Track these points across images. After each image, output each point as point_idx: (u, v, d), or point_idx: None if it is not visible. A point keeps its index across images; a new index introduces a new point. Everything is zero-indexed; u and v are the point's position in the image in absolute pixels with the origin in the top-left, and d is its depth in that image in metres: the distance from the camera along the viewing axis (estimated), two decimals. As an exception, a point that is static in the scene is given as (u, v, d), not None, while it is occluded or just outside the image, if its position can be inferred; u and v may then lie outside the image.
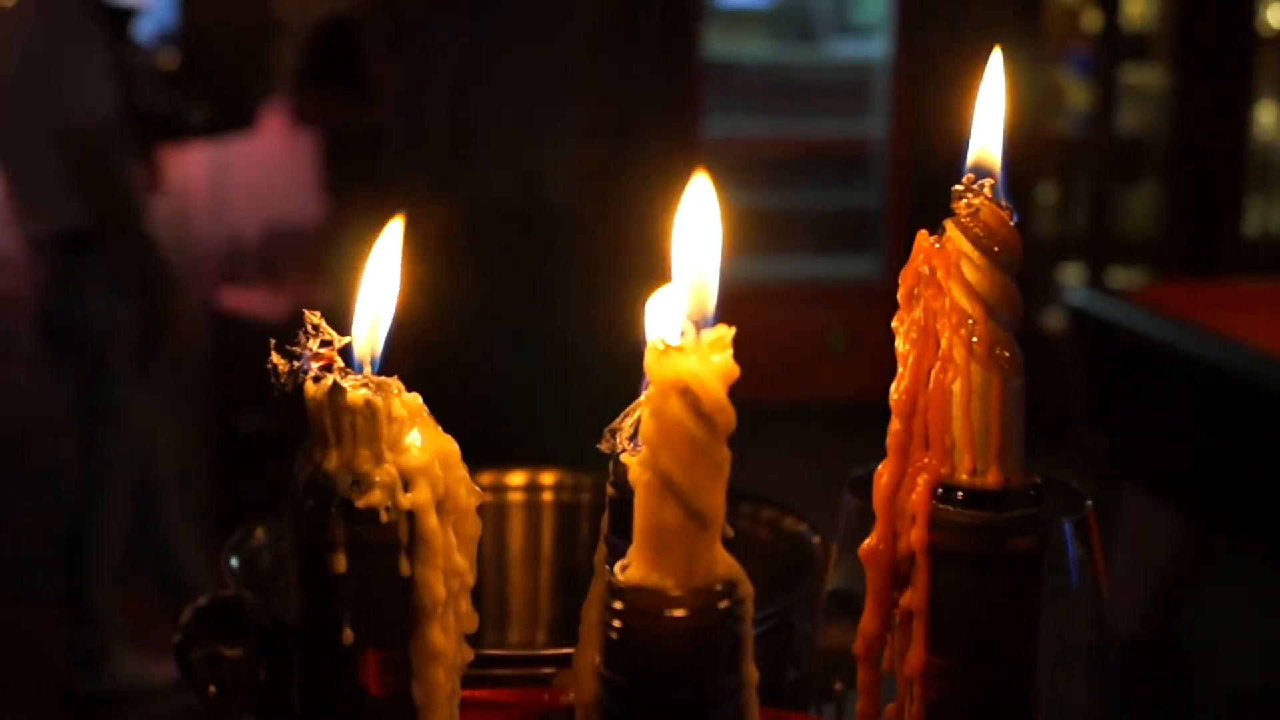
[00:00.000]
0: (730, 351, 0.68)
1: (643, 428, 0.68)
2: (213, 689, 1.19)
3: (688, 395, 0.67)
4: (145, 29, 5.38)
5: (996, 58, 0.82)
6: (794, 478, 3.19)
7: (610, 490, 0.87)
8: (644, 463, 0.68)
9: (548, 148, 4.61)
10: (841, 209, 6.92)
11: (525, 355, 4.31)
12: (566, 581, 1.36)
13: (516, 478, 1.36)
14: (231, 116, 5.15)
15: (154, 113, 4.47)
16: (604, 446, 0.88)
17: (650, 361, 0.68)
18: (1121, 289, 5.59)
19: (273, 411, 5.10)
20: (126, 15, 4.61)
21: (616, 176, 4.77)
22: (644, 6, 5.74)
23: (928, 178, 5.85)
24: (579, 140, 4.71)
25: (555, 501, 1.37)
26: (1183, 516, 3.82)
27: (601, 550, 0.89)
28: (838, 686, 1.21)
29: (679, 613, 0.67)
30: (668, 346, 0.68)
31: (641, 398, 0.88)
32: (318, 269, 5.10)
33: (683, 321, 0.70)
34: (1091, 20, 6.61)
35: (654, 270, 0.86)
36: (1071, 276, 6.32)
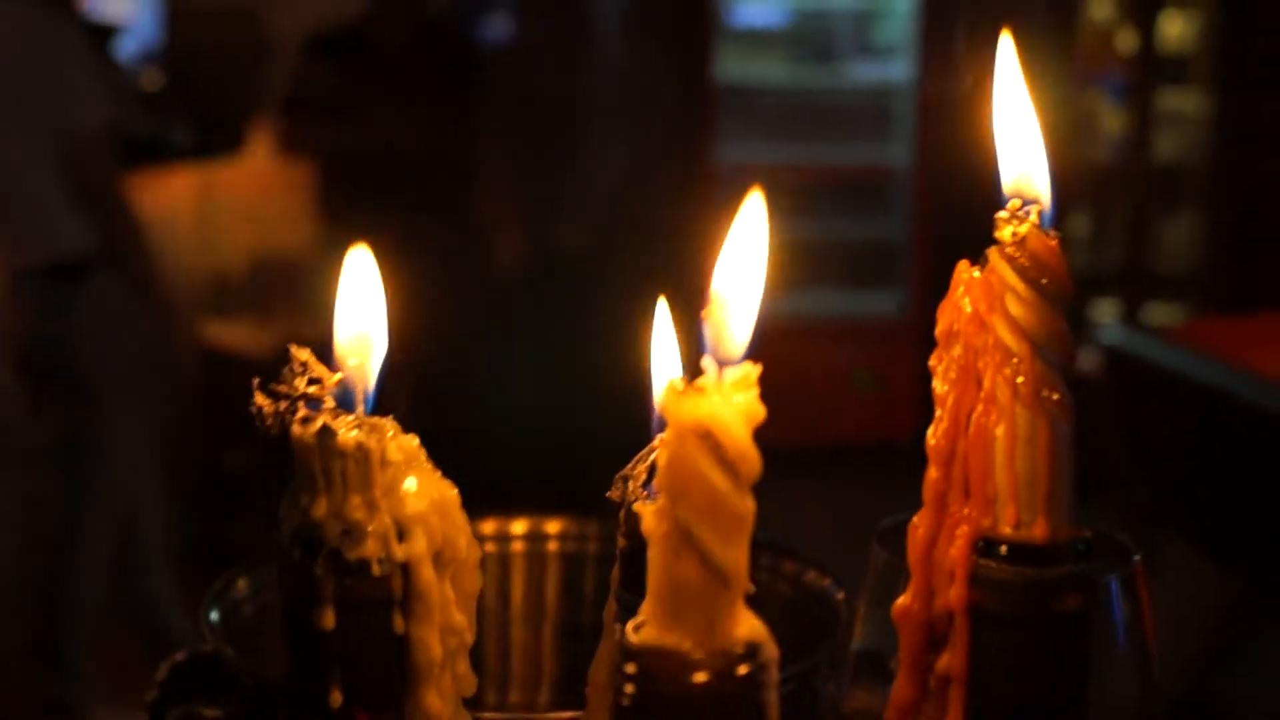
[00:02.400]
0: (755, 392, 0.66)
1: (659, 474, 0.66)
2: (191, 751, 1.17)
3: (709, 440, 0.65)
4: (127, 48, 5.38)
5: (1007, 48, 0.79)
6: (815, 526, 3.16)
7: (622, 542, 0.85)
8: (660, 513, 0.66)
9: (561, 183, 4.63)
10: (863, 240, 6.89)
11: (530, 395, 4.30)
12: (572, 638, 1.34)
13: (519, 526, 1.34)
14: (217, 139, 5.14)
15: (136, 135, 4.46)
16: (614, 495, 0.86)
17: (667, 401, 0.65)
18: (1159, 326, 5.57)
19: (259, 449, 5.07)
20: (108, 33, 4.61)
21: (629, 211, 4.78)
22: (657, 28, 5.75)
23: (954, 208, 5.83)
24: (592, 175, 4.73)
25: (560, 552, 1.34)
26: (1226, 570, 3.79)
27: (611, 607, 0.87)
28: (863, 753, 1.18)
29: (698, 677, 0.65)
30: (687, 385, 0.66)
31: (656, 441, 0.85)
32: (308, 301, 5.09)
33: (705, 358, 0.68)
34: (1126, 42, 6.59)
35: (666, 304, 0.84)
36: (1106, 313, 6.29)
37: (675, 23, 6.20)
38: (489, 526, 1.32)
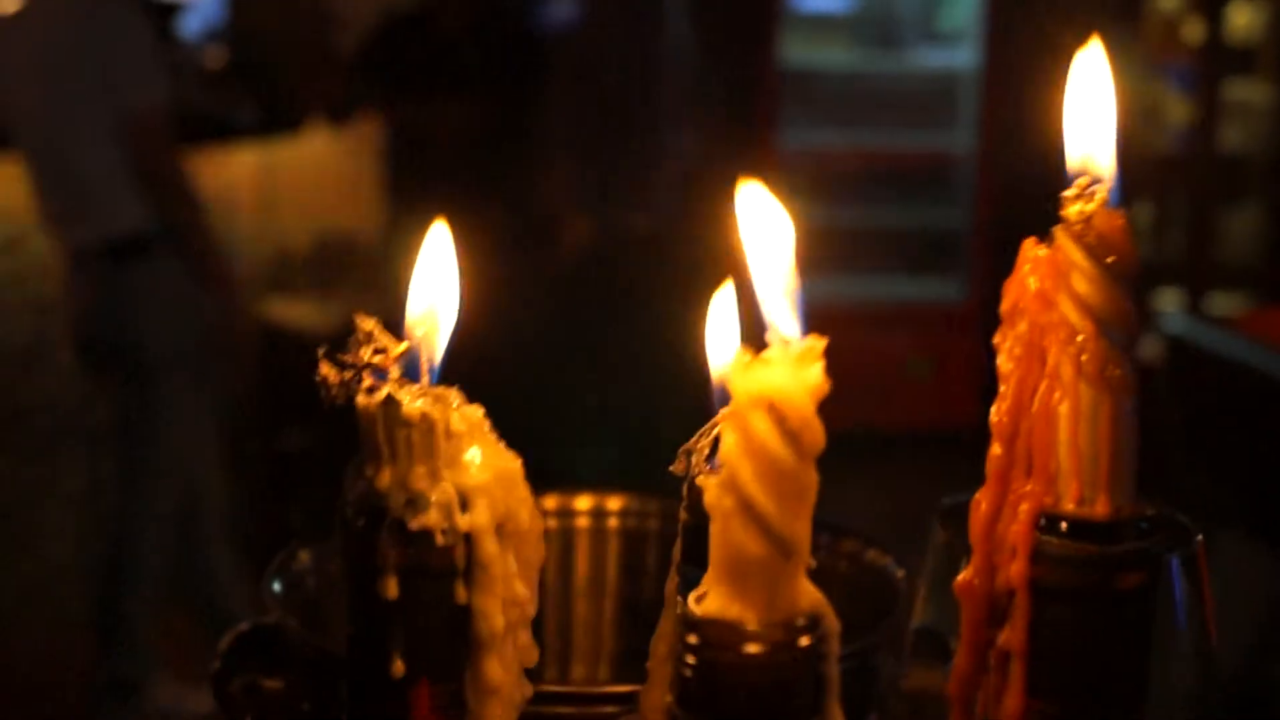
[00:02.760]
0: (820, 365, 0.66)
1: (723, 447, 0.66)
2: (251, 721, 1.18)
3: (774, 412, 0.65)
4: (191, 26, 5.41)
5: (1095, 50, 0.79)
6: (871, 512, 3.16)
7: (684, 516, 0.85)
8: (723, 485, 0.66)
9: (625, 168, 4.64)
10: (924, 227, 6.87)
11: (593, 373, 4.31)
12: (632, 614, 1.35)
13: (582, 502, 1.34)
14: (280, 117, 5.17)
15: (199, 113, 4.48)
16: (678, 469, 0.86)
17: (733, 374, 0.66)
18: (1222, 316, 5.52)
19: (319, 429, 5.10)
20: (170, 11, 4.64)
21: (693, 196, 4.77)
22: (721, 13, 5.75)
23: (1016, 196, 5.80)
24: (656, 161, 4.74)
25: (622, 528, 1.35)
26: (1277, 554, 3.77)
27: (673, 580, 0.87)
28: (921, 732, 1.18)
29: (758, 648, 0.65)
30: (753, 358, 0.66)
31: (719, 415, 0.86)
32: (370, 280, 5.11)
33: (769, 332, 0.68)
34: (1193, 31, 6.54)
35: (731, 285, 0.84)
36: (1168, 302, 6.25)
37: (739, 7, 6.19)
38: (551, 502, 1.32)
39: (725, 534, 0.66)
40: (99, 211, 4.08)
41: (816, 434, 0.66)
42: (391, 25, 4.97)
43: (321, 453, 5.03)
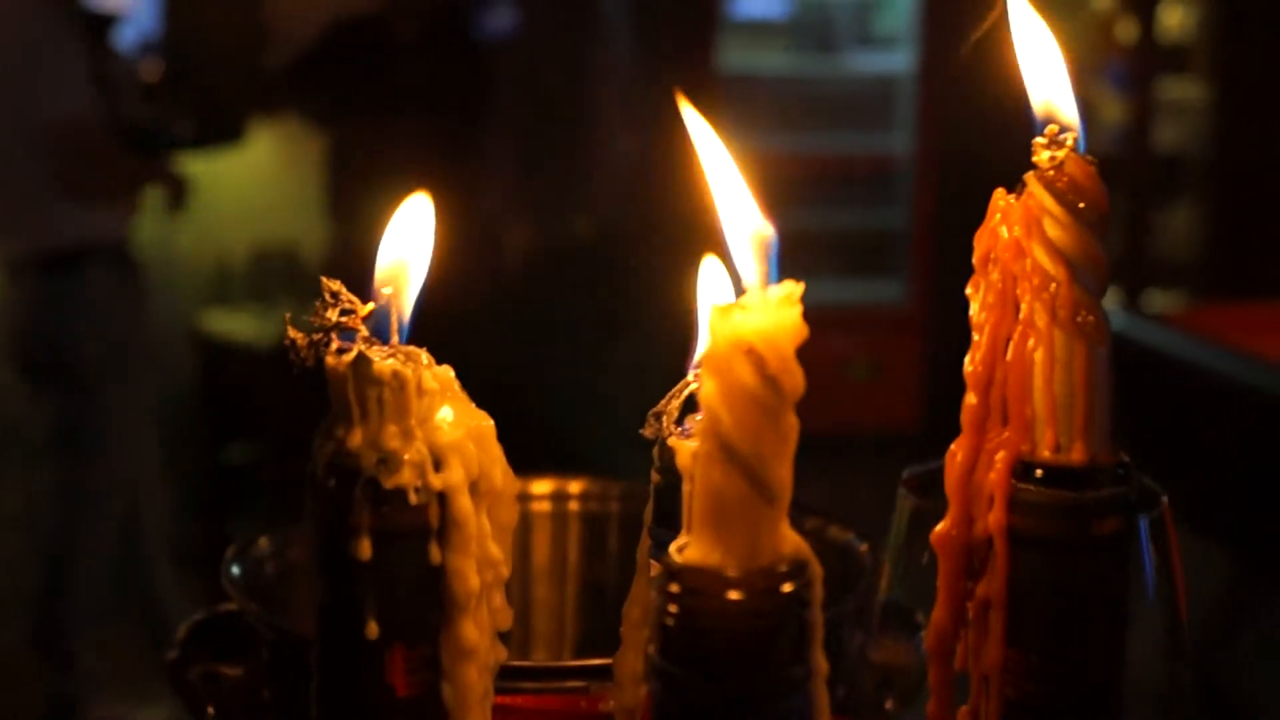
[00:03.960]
0: (799, 309, 0.66)
1: (702, 392, 0.66)
2: (211, 710, 1.16)
3: (753, 356, 0.65)
4: (127, 37, 5.37)
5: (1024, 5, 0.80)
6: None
7: (655, 477, 0.85)
8: (703, 430, 0.65)
9: (568, 174, 4.65)
10: (864, 229, 6.89)
11: (540, 376, 4.31)
12: (594, 598, 1.34)
13: (542, 486, 1.34)
14: (218, 128, 5.13)
15: (136, 124, 4.45)
16: (648, 432, 0.86)
17: (712, 318, 0.65)
18: (1161, 313, 5.57)
19: (262, 442, 5.07)
20: (107, 22, 4.60)
21: (635, 199, 4.78)
22: (660, 20, 5.76)
23: (956, 196, 5.83)
24: (598, 165, 4.75)
25: (583, 512, 1.34)
26: (1230, 552, 3.79)
27: (645, 544, 0.87)
28: (889, 705, 1.18)
29: (742, 594, 0.65)
30: (731, 304, 0.66)
31: (690, 376, 0.86)
32: (312, 292, 5.08)
33: (746, 279, 0.68)
34: (1126, 31, 6.60)
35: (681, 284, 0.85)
36: (1108, 300, 6.29)
37: (678, 14, 6.20)
38: (511, 486, 1.31)
39: (706, 480, 0.65)
40: (30, 224, 4.05)
41: (796, 377, 0.66)
42: (334, 34, 4.96)
43: (264, 466, 5.00)
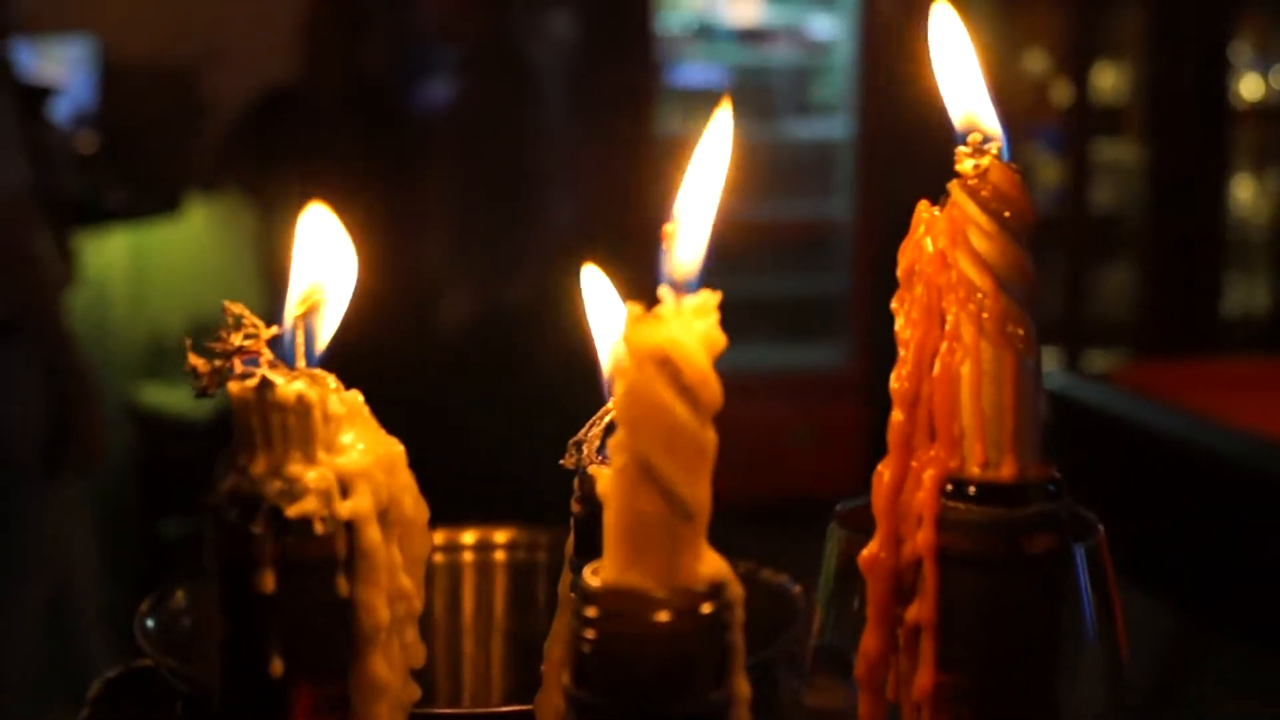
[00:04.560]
0: (715, 318, 0.64)
1: (616, 406, 0.63)
2: (128, 769, 1.12)
3: (667, 366, 0.62)
4: (62, 110, 5.33)
5: (943, 10, 0.78)
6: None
7: (576, 508, 0.82)
8: (618, 445, 0.63)
9: (506, 242, 4.64)
10: (804, 295, 6.90)
11: (475, 442, 4.28)
12: (523, 651, 1.30)
13: (468, 536, 1.30)
14: (153, 200, 5.10)
15: (70, 197, 4.41)
16: (567, 461, 0.83)
17: (625, 329, 0.62)
18: (1100, 372, 5.58)
19: (199, 516, 5.00)
20: (42, 94, 4.56)
21: (569, 266, 4.77)
22: (598, 89, 5.76)
23: (895, 261, 5.84)
24: (538, 233, 4.74)
25: (510, 561, 1.31)
26: (1169, 609, 3.78)
27: (566, 577, 0.84)
28: (824, 750, 1.15)
29: (661, 616, 0.62)
30: (644, 312, 0.63)
31: (609, 404, 0.83)
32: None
33: (662, 284, 0.65)
34: (1061, 94, 6.64)
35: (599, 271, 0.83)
36: (1047, 361, 6.30)
37: (616, 83, 6.21)
38: (437, 537, 1.28)
39: (621, 497, 0.62)
40: None
41: (714, 390, 0.63)
42: (266, 102, 4.94)
43: (201, 539, 4.93)
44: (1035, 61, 6.77)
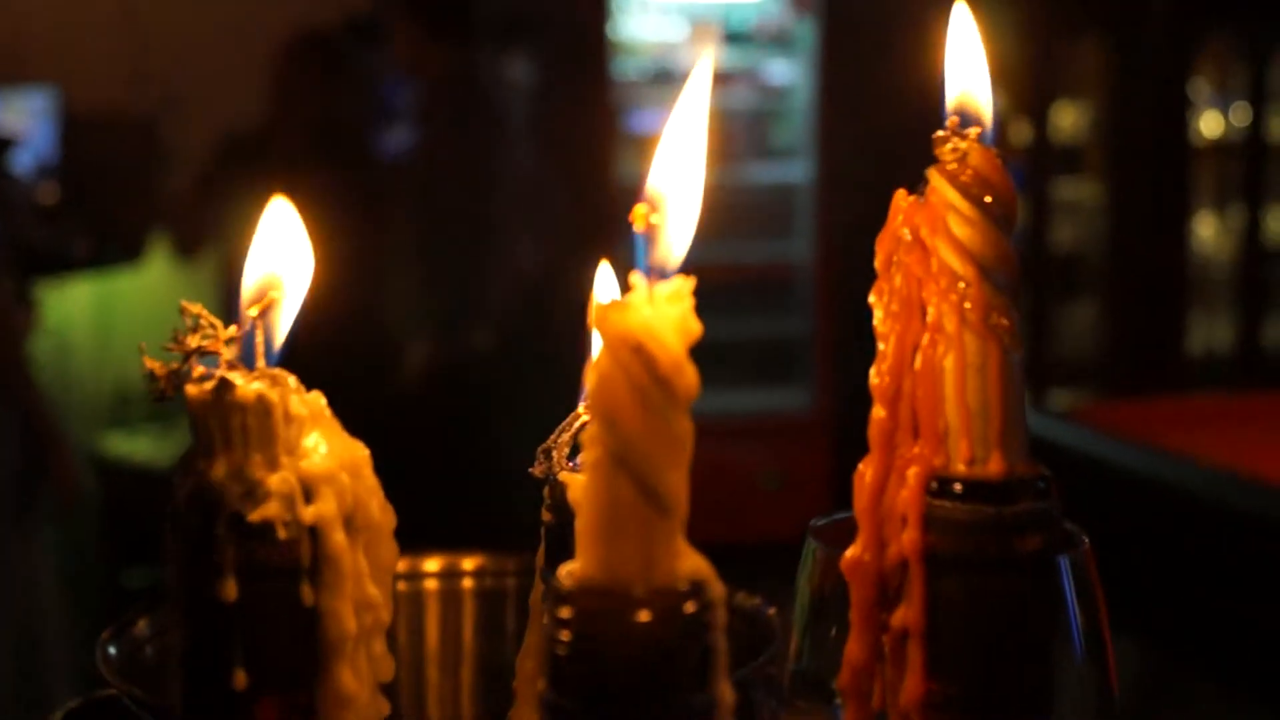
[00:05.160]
0: (690, 304, 0.61)
1: (589, 395, 0.60)
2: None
3: (641, 354, 0.59)
4: (23, 162, 5.30)
5: (962, 9, 0.75)
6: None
7: (547, 516, 0.79)
8: (591, 438, 0.60)
9: (469, 287, 4.62)
10: (767, 338, 6.88)
11: (440, 487, 4.24)
12: (492, 680, 1.27)
13: (432, 564, 1.27)
14: (115, 249, 5.06)
15: (32, 247, 4.37)
16: (538, 470, 0.81)
17: (597, 316, 0.60)
18: (1064, 410, 5.56)
19: (165, 565, 4.95)
20: (2, 147, 4.53)
21: (533, 311, 4.75)
22: (558, 135, 5.76)
23: (858, 303, 5.83)
24: (500, 277, 4.73)
25: (477, 589, 1.27)
26: (1137, 647, 3.76)
27: (538, 590, 0.81)
28: (805, 773, 1.12)
29: (640, 616, 0.59)
30: (615, 300, 0.60)
31: (580, 409, 0.80)
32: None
33: (637, 271, 0.62)
34: (1020, 133, 6.65)
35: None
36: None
37: (575, 127, 6.20)
38: (400, 565, 1.24)
39: (595, 491, 0.60)
40: None
41: (689, 378, 0.60)
42: (231, 149, 4.91)
43: (168, 591, 4.87)
44: (994, 101, 6.77)
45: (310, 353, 0.79)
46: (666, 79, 6.88)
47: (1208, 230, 6.72)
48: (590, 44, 6.52)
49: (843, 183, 6.49)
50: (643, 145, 6.73)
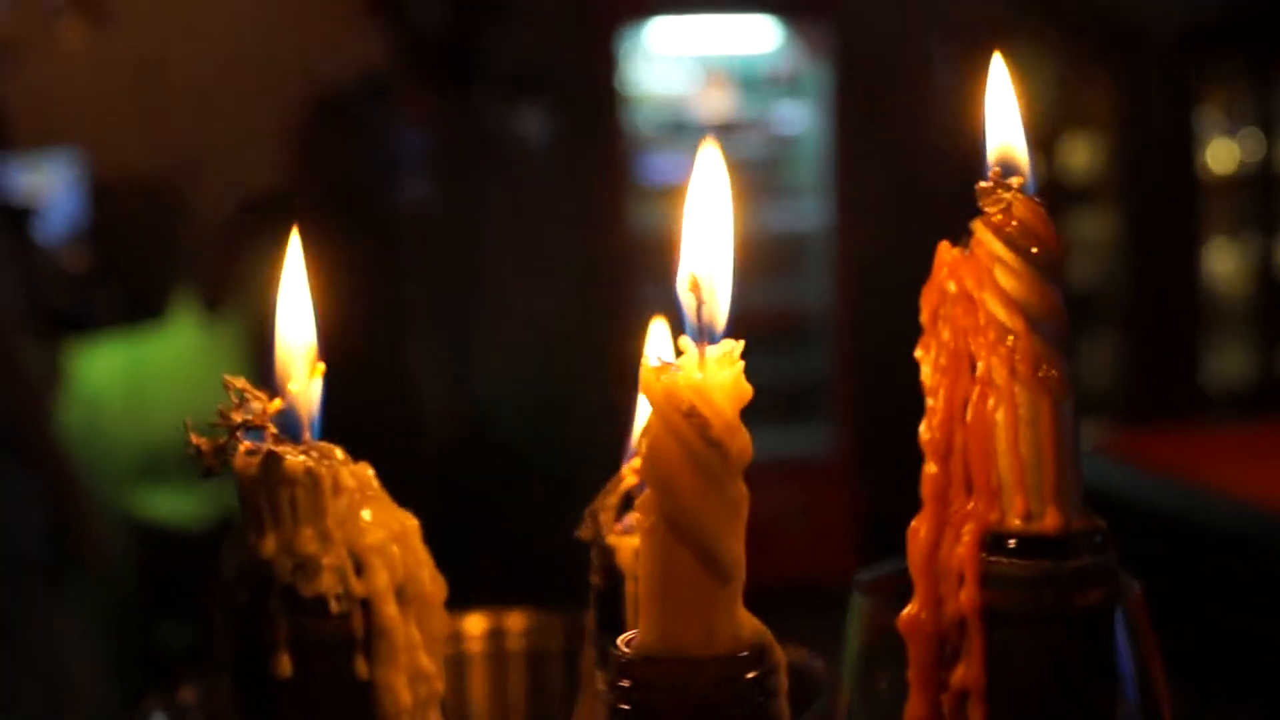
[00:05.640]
0: (741, 366, 0.60)
1: (642, 463, 0.59)
2: None
3: (694, 419, 0.58)
4: (49, 227, 5.31)
5: (998, 61, 0.74)
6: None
7: (596, 580, 0.78)
8: (646, 505, 0.59)
9: (487, 336, 4.63)
10: (787, 382, 6.85)
11: (471, 540, 4.23)
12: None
13: (477, 623, 1.25)
14: (142, 310, 5.06)
15: (58, 311, 4.38)
16: (585, 533, 0.79)
17: (646, 381, 0.58)
18: (1089, 445, 5.54)
19: (198, 623, 4.94)
20: (26, 214, 4.54)
21: (551, 359, 4.75)
22: (573, 186, 5.77)
23: (875, 344, 5.82)
24: (518, 326, 4.74)
25: (524, 649, 1.25)
26: (1170, 680, 3.72)
27: (589, 655, 0.80)
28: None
29: (702, 684, 0.57)
30: (664, 363, 0.59)
31: (624, 470, 0.79)
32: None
33: (684, 336, 0.61)
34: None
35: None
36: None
37: (588, 178, 6.20)
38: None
39: (652, 559, 0.58)
40: None
41: (743, 441, 0.59)
42: (253, 205, 4.93)
43: (200, 647, 4.86)
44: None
45: (341, 415, 0.78)
46: (680, 128, 6.88)
47: (1222, 261, 6.69)
48: (601, 96, 6.53)
49: (859, 226, 6.48)
50: (656, 195, 6.73)
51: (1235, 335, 6.66)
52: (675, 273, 0.63)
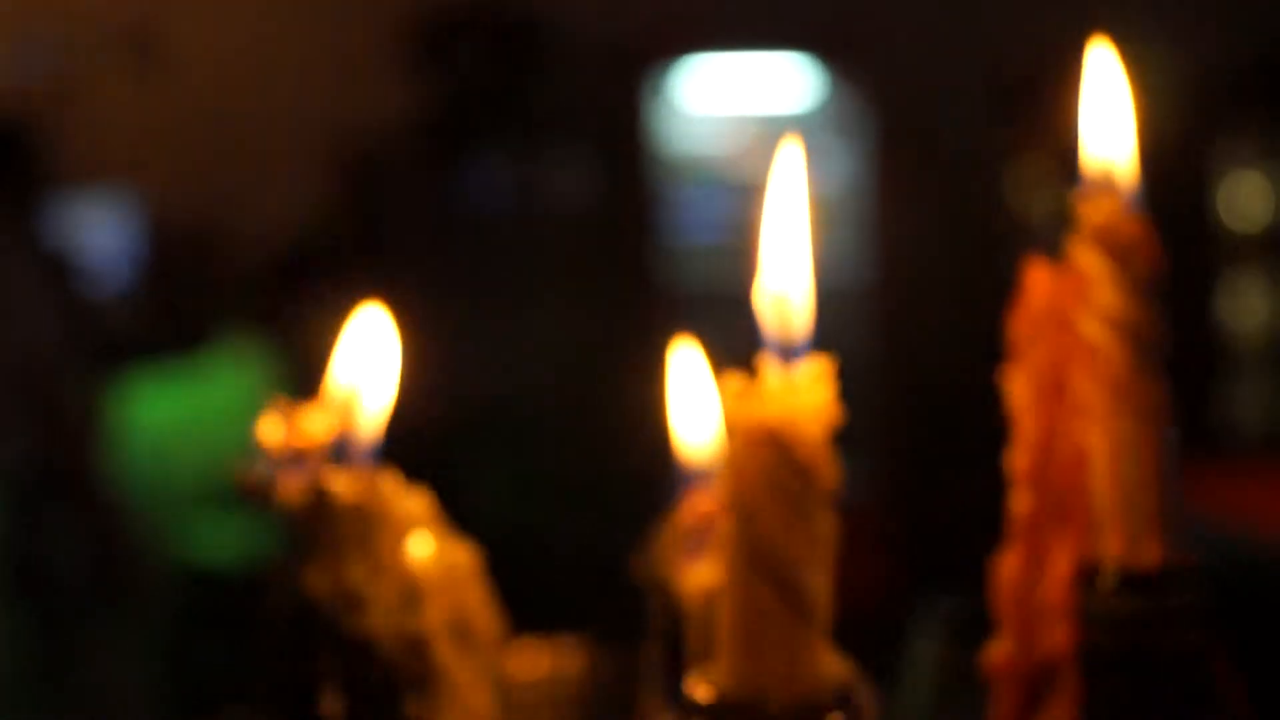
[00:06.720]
0: (829, 387, 0.53)
1: (722, 491, 0.53)
2: None
3: (778, 445, 0.52)
4: (98, 268, 5.31)
5: (1105, 54, 0.67)
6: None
7: (656, 619, 0.71)
8: (726, 539, 0.52)
9: (518, 353, 4.64)
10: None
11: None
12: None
13: (528, 658, 1.19)
14: (195, 342, 5.04)
15: (102, 348, 4.38)
16: (642, 572, 0.73)
17: (726, 405, 0.52)
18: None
19: (245, 660, 4.88)
20: (73, 255, 4.55)
21: (588, 377, 4.75)
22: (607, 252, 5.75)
23: (909, 388, 5.77)
24: (549, 344, 4.75)
25: (578, 685, 1.19)
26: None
27: (645, 694, 0.73)
28: None
29: (782, 730, 0.51)
30: (747, 384, 0.53)
31: (681, 503, 0.73)
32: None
33: (765, 352, 0.55)
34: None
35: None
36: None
37: (623, 237, 6.15)
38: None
39: (732, 595, 0.52)
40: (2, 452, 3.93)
41: (831, 470, 0.53)
42: (304, 240, 4.96)
43: (247, 685, 4.80)
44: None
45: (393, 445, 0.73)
46: (711, 187, 6.81)
47: (1236, 300, 6.58)
48: (633, 157, 6.48)
49: (900, 280, 6.41)
50: (704, 254, 6.68)
51: (1248, 373, 6.55)
52: (752, 283, 0.57)
